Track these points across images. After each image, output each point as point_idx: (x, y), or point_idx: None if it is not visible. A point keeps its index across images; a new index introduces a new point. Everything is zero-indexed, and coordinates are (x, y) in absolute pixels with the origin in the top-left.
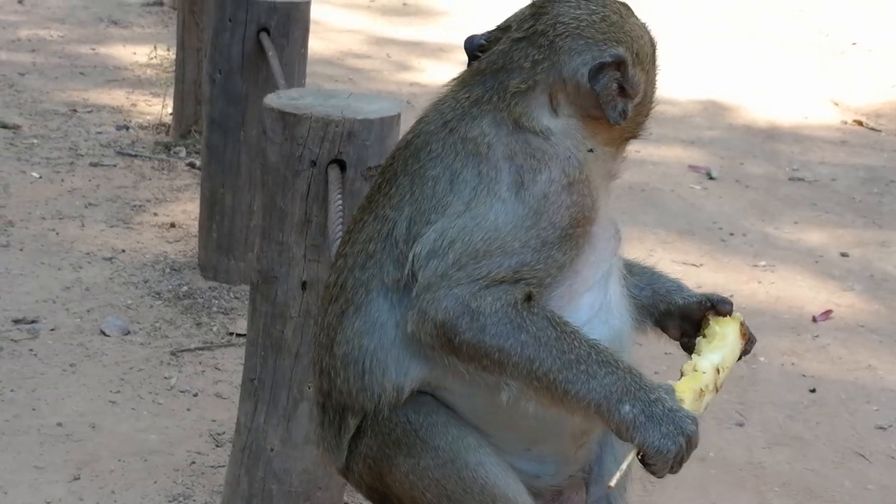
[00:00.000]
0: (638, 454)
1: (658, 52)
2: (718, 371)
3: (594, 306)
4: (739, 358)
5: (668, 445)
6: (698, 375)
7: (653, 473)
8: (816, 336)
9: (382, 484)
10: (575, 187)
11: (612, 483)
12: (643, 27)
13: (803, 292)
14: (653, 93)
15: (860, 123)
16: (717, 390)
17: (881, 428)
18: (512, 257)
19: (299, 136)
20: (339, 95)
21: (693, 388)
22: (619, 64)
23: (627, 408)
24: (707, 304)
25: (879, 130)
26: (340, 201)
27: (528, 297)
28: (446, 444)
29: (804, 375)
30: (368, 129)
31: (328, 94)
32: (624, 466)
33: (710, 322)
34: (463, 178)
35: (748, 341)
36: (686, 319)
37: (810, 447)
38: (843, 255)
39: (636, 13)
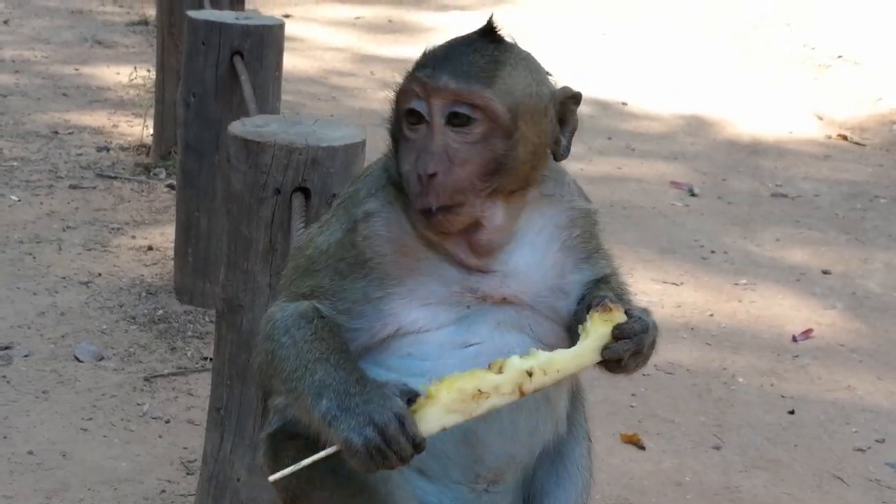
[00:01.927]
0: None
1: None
2: (531, 374)
3: (445, 345)
4: (629, 363)
5: (352, 439)
6: (481, 374)
7: (360, 469)
8: (796, 356)
9: None
10: (352, 243)
11: (272, 478)
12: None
13: (784, 311)
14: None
15: (845, 138)
16: (521, 394)
17: (860, 450)
18: (313, 278)
19: (263, 164)
20: (305, 122)
21: (462, 388)
22: None
23: (325, 402)
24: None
25: (864, 145)
26: (303, 229)
27: (317, 311)
28: (355, 472)
29: (783, 396)
30: (332, 157)
31: (293, 121)
32: (307, 461)
33: (587, 320)
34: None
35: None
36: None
37: (788, 470)
38: (825, 272)
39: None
